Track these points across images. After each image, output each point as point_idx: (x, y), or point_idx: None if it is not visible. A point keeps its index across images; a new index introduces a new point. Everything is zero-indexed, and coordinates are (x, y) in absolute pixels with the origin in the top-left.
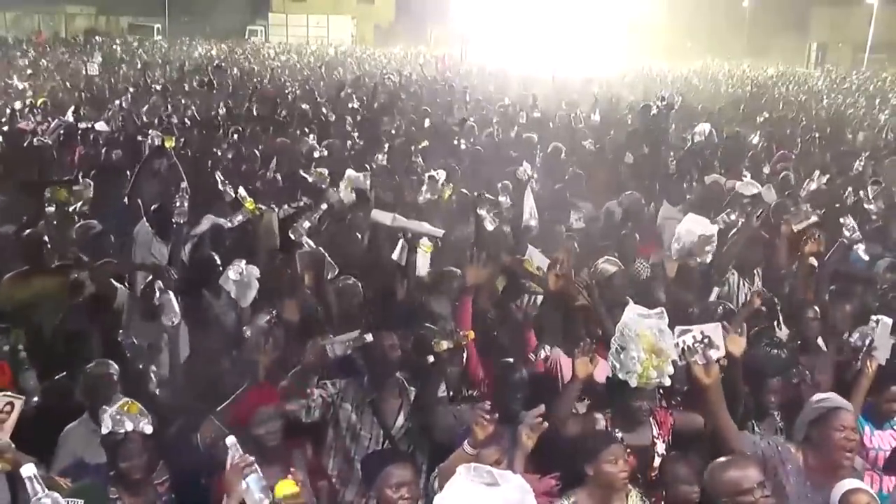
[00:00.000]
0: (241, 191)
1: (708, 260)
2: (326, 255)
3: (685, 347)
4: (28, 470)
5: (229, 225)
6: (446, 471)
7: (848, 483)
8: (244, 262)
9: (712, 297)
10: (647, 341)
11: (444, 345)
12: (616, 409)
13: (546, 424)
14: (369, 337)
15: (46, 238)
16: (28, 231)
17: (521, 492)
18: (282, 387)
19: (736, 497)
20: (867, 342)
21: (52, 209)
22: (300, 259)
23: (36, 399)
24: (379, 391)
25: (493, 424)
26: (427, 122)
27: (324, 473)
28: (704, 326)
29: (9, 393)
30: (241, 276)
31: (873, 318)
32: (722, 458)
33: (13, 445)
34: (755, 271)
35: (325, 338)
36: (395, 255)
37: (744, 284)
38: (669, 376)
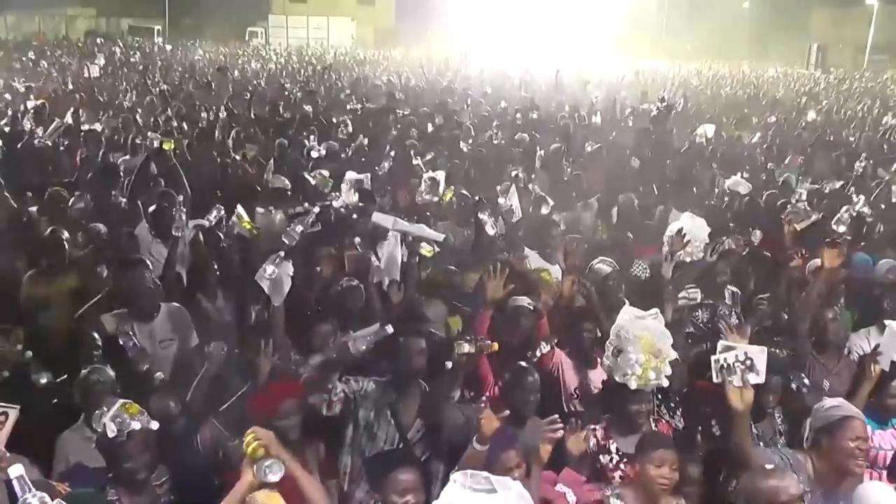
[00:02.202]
0: (239, 209)
1: (695, 259)
2: (373, 258)
3: (724, 365)
4: (15, 471)
5: (207, 224)
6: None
7: (874, 487)
8: (282, 255)
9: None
10: (645, 343)
11: (466, 348)
12: (613, 413)
13: (560, 433)
14: (389, 329)
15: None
16: (51, 229)
17: (519, 499)
18: (304, 379)
19: None
20: (873, 346)
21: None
22: (348, 261)
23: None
24: (400, 395)
25: (500, 420)
26: (427, 124)
27: (335, 473)
28: (750, 348)
29: (3, 404)
30: (275, 272)
31: (887, 322)
32: (763, 466)
33: (8, 454)
34: (728, 289)
35: (346, 334)
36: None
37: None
38: (667, 377)
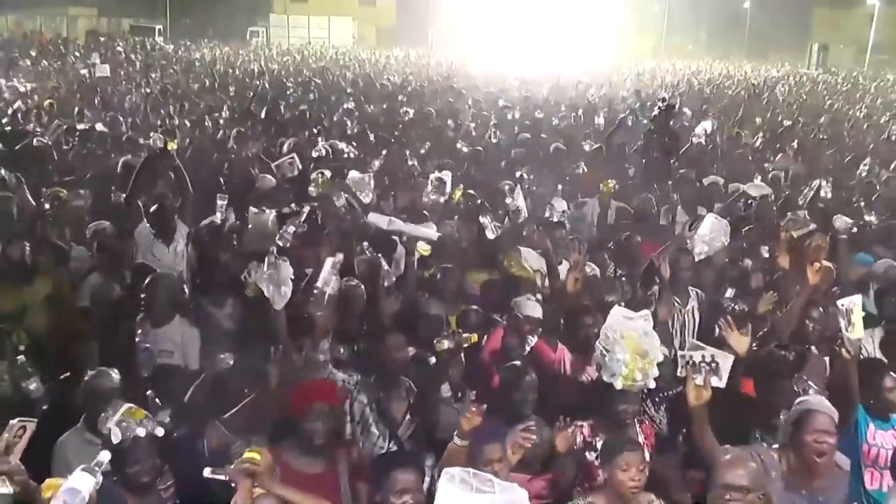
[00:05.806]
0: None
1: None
2: (383, 261)
3: (691, 362)
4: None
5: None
6: (444, 466)
7: None
8: (276, 254)
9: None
10: (632, 343)
11: (445, 344)
12: (599, 412)
13: (532, 443)
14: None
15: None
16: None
17: (515, 499)
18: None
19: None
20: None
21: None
22: (358, 264)
23: (45, 407)
24: (385, 392)
25: (480, 416)
26: (429, 124)
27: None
28: (717, 352)
29: (24, 418)
30: (271, 274)
31: (839, 302)
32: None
33: (23, 468)
34: (690, 289)
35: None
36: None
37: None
38: (654, 378)
